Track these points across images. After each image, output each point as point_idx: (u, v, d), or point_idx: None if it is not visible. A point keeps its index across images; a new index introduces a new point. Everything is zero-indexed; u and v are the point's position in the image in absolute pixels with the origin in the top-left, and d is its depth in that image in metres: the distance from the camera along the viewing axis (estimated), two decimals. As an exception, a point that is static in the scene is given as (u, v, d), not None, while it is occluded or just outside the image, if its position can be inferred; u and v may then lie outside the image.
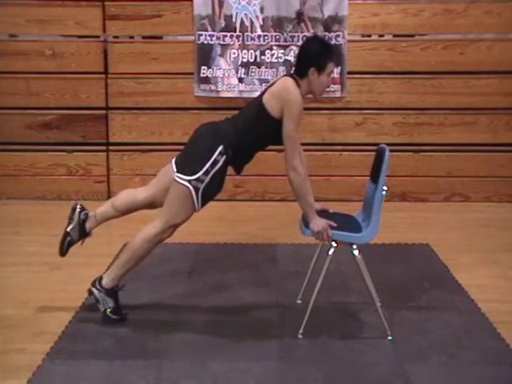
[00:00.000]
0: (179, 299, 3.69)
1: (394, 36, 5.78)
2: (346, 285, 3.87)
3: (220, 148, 3.22)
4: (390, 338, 3.21)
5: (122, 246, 4.57)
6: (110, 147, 5.94)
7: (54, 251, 4.52)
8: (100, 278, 3.39)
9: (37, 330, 3.30)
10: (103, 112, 5.88)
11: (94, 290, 3.38)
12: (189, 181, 3.21)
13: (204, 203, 3.27)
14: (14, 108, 5.85)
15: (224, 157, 3.23)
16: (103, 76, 5.83)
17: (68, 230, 3.54)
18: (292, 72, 3.32)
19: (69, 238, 3.54)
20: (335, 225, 3.17)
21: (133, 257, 3.35)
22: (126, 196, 3.58)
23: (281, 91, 3.18)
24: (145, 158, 5.94)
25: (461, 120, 5.83)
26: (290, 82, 3.20)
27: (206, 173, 3.20)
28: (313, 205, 3.25)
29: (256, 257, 4.35)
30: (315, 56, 3.19)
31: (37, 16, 5.72)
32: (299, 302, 3.62)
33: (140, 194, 3.53)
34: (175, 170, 3.30)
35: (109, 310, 3.35)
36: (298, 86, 3.21)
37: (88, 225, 3.55)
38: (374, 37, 5.80)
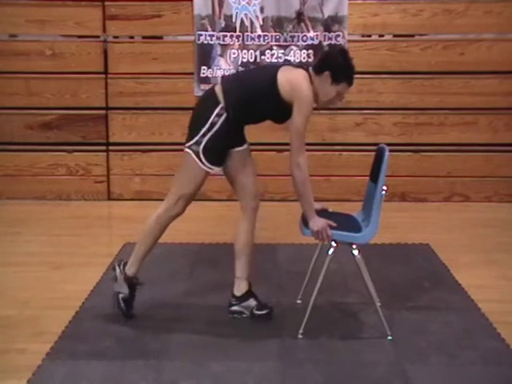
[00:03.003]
0: (179, 299, 3.69)
1: (394, 36, 5.79)
2: (345, 285, 3.87)
3: (217, 110, 3.21)
4: (389, 337, 3.21)
5: (122, 246, 4.58)
6: (110, 147, 5.94)
7: (54, 251, 4.54)
8: (126, 262, 3.44)
9: (37, 330, 3.30)
10: (103, 112, 5.88)
11: (117, 268, 3.43)
12: (188, 147, 3.25)
13: (211, 161, 3.24)
14: (14, 108, 5.85)
15: (222, 117, 3.20)
16: (103, 76, 5.83)
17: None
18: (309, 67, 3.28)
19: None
20: (334, 224, 3.17)
21: (145, 237, 3.38)
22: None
23: (296, 84, 3.14)
24: (145, 158, 5.94)
25: (461, 120, 5.83)
26: (305, 78, 3.17)
27: (203, 135, 3.22)
28: (313, 204, 3.25)
29: (256, 257, 4.35)
30: (337, 67, 3.18)
31: (37, 16, 5.72)
32: (299, 302, 3.62)
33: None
34: None
35: (121, 296, 3.39)
36: (311, 82, 3.19)
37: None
38: (374, 37, 5.80)
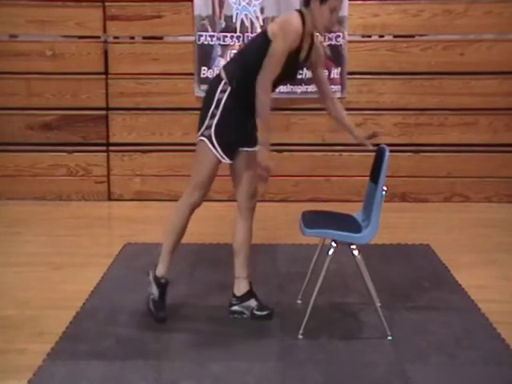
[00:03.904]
0: (180, 299, 3.68)
1: (394, 36, 5.79)
2: (345, 285, 3.87)
3: (221, 86, 3.23)
4: (389, 338, 3.21)
5: (122, 247, 4.59)
6: (111, 147, 5.94)
7: (54, 251, 4.54)
8: (155, 268, 3.47)
9: (37, 331, 3.30)
10: (103, 112, 5.88)
11: (150, 272, 3.46)
12: (201, 134, 3.27)
13: (223, 147, 3.24)
14: (15, 108, 5.85)
15: (227, 92, 3.21)
16: (103, 76, 5.83)
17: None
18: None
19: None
20: (271, 173, 3.13)
21: (167, 232, 3.41)
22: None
23: (283, 21, 3.15)
24: (145, 159, 5.94)
25: (461, 120, 5.83)
26: (294, 15, 3.15)
27: (212, 117, 3.23)
28: (269, 132, 3.15)
29: (256, 257, 4.35)
30: None
31: (37, 16, 5.72)
32: (299, 302, 3.63)
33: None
34: None
35: (151, 297, 3.41)
36: (304, 20, 3.14)
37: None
38: (374, 37, 5.80)
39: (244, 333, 3.28)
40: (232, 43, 5.67)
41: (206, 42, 5.69)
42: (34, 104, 5.84)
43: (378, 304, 3.28)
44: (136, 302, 3.62)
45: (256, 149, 3.39)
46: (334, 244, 3.20)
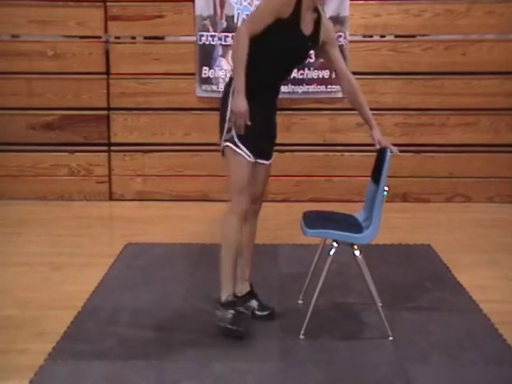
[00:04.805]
0: (181, 299, 3.69)
1: (396, 36, 5.78)
2: (347, 285, 3.87)
3: (232, 86, 3.19)
4: (391, 338, 3.21)
5: (123, 247, 4.59)
6: (112, 148, 5.94)
7: (56, 251, 4.54)
8: (218, 297, 3.29)
9: (38, 331, 3.30)
10: (105, 112, 5.88)
11: (216, 312, 3.28)
12: (224, 139, 3.22)
13: (247, 144, 3.17)
14: (16, 108, 5.86)
15: None
16: (105, 76, 5.83)
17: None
18: None
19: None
20: (249, 123, 3.07)
21: (222, 250, 3.27)
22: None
23: None
24: (146, 159, 5.94)
25: (462, 120, 5.82)
26: None
27: (230, 120, 3.18)
28: (242, 80, 3.06)
29: (257, 257, 4.35)
30: None
31: (38, 16, 5.72)
32: (300, 302, 3.62)
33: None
34: None
35: (222, 324, 3.23)
36: None
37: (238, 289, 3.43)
38: (376, 37, 5.79)
39: (245, 333, 3.28)
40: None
41: (207, 42, 5.69)
42: (35, 104, 5.85)
43: (380, 304, 3.28)
44: (137, 301, 3.63)
45: (271, 161, 3.40)
46: (335, 244, 3.20)
